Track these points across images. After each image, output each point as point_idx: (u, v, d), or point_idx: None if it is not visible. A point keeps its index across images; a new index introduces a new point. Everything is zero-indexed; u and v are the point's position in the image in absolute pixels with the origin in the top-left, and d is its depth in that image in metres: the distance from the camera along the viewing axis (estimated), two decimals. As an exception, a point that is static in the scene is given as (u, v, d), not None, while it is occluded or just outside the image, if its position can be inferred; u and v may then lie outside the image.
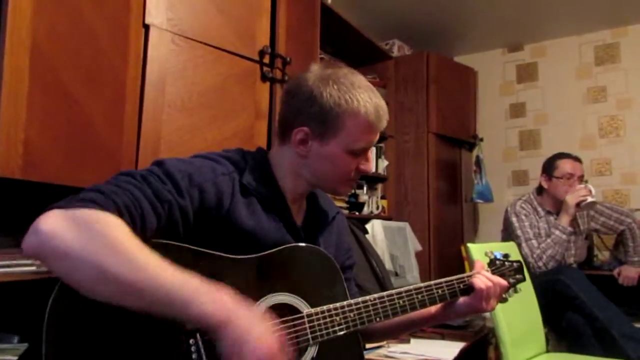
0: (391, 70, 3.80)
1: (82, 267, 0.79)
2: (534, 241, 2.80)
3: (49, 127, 1.36)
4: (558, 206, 2.87)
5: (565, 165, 2.89)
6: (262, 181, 1.12)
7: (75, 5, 1.44)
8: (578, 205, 2.78)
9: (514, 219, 2.90)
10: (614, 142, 3.82)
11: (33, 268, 1.33)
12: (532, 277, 2.41)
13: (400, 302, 1.16)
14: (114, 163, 1.54)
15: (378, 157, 3.59)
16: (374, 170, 3.50)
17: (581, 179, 2.88)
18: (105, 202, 0.85)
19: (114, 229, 0.82)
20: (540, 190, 3.02)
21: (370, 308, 1.11)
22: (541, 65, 4.14)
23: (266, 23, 2.11)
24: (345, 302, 1.08)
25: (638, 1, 3.47)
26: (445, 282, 1.25)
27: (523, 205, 2.94)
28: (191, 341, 0.89)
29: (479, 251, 2.20)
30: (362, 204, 3.36)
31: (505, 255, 1.43)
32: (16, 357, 0.89)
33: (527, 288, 2.31)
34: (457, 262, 3.68)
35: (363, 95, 1.10)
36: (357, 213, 3.27)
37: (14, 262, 1.31)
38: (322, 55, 2.93)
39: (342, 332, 1.06)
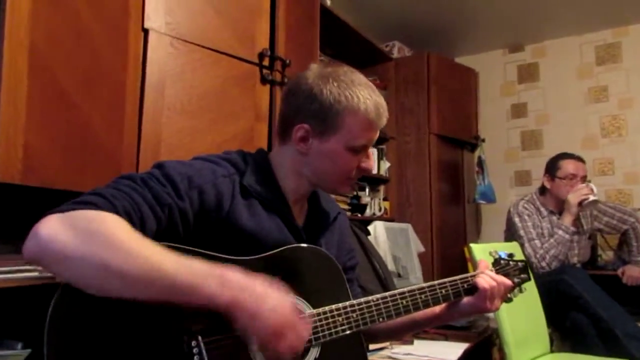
0: (392, 71, 3.80)
1: (84, 267, 0.79)
2: (536, 241, 2.79)
3: (49, 131, 1.36)
4: (561, 206, 2.86)
5: (568, 166, 2.88)
6: (263, 182, 1.12)
7: (73, 9, 1.44)
8: (580, 204, 2.77)
9: (516, 219, 2.89)
10: (616, 142, 3.81)
11: (35, 274, 1.32)
12: (535, 277, 2.39)
13: (404, 302, 1.15)
14: (114, 167, 1.53)
15: (380, 158, 3.59)
16: (375, 171, 3.50)
17: (584, 179, 2.87)
18: (105, 204, 0.86)
19: (112, 226, 0.82)
20: (543, 190, 3.01)
21: (373, 308, 1.11)
22: (542, 66, 4.14)
23: (265, 25, 2.11)
24: (347, 303, 1.08)
25: (639, 1, 3.46)
26: (449, 282, 1.24)
27: (526, 205, 2.94)
28: (193, 343, 0.89)
29: (482, 252, 2.19)
30: (365, 206, 3.35)
31: (510, 255, 1.42)
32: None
33: (530, 288, 2.31)
34: (460, 263, 3.66)
35: (363, 93, 1.10)
36: (359, 215, 3.26)
37: (16, 267, 1.31)
38: (322, 57, 2.93)
39: (344, 333, 1.05)
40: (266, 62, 2.08)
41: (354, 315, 1.07)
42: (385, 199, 3.67)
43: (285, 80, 2.12)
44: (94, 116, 1.49)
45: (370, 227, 2.96)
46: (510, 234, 2.96)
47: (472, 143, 4.07)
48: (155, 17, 1.68)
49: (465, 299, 1.25)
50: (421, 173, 3.66)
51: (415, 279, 3.07)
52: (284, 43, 2.19)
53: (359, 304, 1.09)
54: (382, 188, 3.71)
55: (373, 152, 1.32)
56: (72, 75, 1.43)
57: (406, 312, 1.16)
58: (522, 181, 4.13)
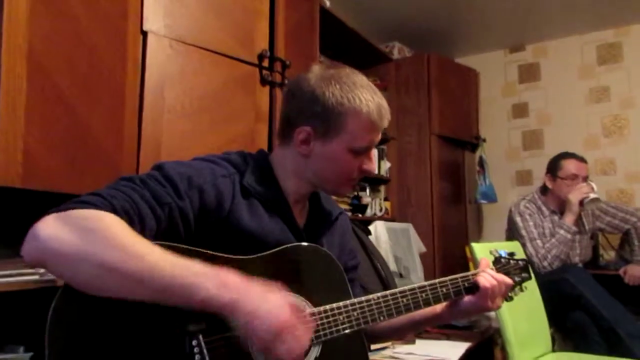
0: (392, 72, 3.80)
1: (81, 266, 0.79)
2: (538, 241, 2.79)
3: (48, 135, 1.36)
4: (562, 206, 2.86)
5: (569, 166, 2.88)
6: (264, 182, 1.12)
7: (71, 12, 1.44)
8: (581, 203, 2.77)
9: (518, 219, 2.89)
10: (617, 142, 3.80)
11: (35, 277, 1.32)
12: (537, 277, 2.39)
13: (404, 300, 1.15)
14: (114, 170, 1.53)
15: (380, 159, 3.59)
16: (376, 171, 3.50)
17: (586, 179, 2.86)
18: (103, 204, 0.86)
19: (110, 225, 0.82)
20: (544, 189, 3.01)
21: (374, 307, 1.11)
22: (543, 66, 4.13)
23: (265, 27, 2.11)
24: (348, 301, 1.08)
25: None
26: (450, 280, 1.24)
27: (527, 205, 2.94)
28: (194, 342, 0.89)
29: (484, 251, 2.19)
30: (365, 206, 3.35)
31: (511, 254, 1.41)
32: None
33: (532, 288, 2.30)
34: (461, 263, 3.67)
35: (365, 95, 1.10)
36: (360, 215, 3.26)
37: (16, 271, 1.31)
38: (322, 59, 2.93)
39: (345, 332, 1.05)
40: (266, 64, 2.08)
41: (355, 313, 1.07)
42: (386, 199, 3.67)
43: (285, 81, 2.12)
44: (94, 119, 1.49)
45: (371, 227, 2.95)
46: (512, 233, 2.96)
47: (473, 143, 4.07)
48: (154, 19, 1.68)
49: (466, 298, 1.25)
50: (422, 173, 3.66)
51: (416, 279, 3.06)
52: (284, 44, 2.19)
53: (359, 303, 1.09)
54: (383, 188, 3.71)
55: (374, 152, 1.32)
56: (71, 78, 1.44)
57: (407, 311, 1.16)
58: (523, 181, 4.12)
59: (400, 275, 2.93)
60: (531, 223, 2.85)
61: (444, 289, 1.22)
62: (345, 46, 3.33)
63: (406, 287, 1.17)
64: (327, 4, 2.88)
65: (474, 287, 1.25)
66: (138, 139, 1.62)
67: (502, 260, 1.38)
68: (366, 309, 1.09)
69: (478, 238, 4.16)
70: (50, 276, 1.32)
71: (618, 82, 3.83)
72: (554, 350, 2.48)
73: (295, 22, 2.30)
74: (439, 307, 1.27)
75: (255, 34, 2.06)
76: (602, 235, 3.40)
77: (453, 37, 4.08)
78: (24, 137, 1.30)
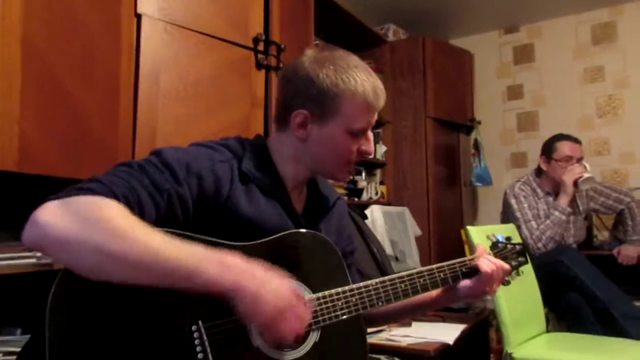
0: (387, 55, 3.79)
1: (84, 252, 0.79)
2: (533, 222, 2.80)
3: (44, 120, 1.36)
4: (557, 187, 2.87)
5: (564, 148, 2.88)
6: (262, 168, 1.12)
7: (66, -4, 1.43)
8: (575, 184, 2.78)
9: (512, 201, 2.90)
10: (612, 122, 3.81)
11: (33, 261, 1.33)
12: (531, 259, 2.41)
13: (403, 285, 1.16)
14: (110, 154, 1.53)
15: (376, 142, 3.59)
16: (372, 155, 3.49)
17: (580, 161, 2.87)
18: (103, 190, 0.86)
19: (110, 211, 0.83)
20: (539, 171, 3.02)
21: (372, 292, 1.11)
22: (538, 46, 4.12)
23: (259, 10, 2.09)
24: (347, 287, 1.08)
25: (634, -21, 3.44)
26: (448, 265, 1.24)
27: (522, 187, 2.95)
28: (194, 328, 0.90)
29: (479, 234, 2.20)
30: (361, 190, 3.36)
31: (508, 238, 1.42)
32: (19, 349, 0.89)
33: (527, 269, 2.32)
34: (457, 246, 3.69)
35: (360, 75, 1.10)
36: (356, 199, 3.27)
37: (14, 255, 1.31)
38: (317, 41, 2.91)
39: (344, 317, 1.06)
40: (261, 47, 2.06)
41: (354, 299, 1.08)
42: (382, 183, 3.67)
43: (281, 65, 2.11)
44: (89, 104, 1.49)
45: (367, 211, 2.96)
46: (507, 215, 2.97)
47: (468, 125, 4.06)
48: (148, 1, 1.66)
49: (463, 282, 1.25)
50: (418, 156, 3.66)
51: (412, 263, 3.08)
52: (279, 28, 2.17)
53: (358, 288, 1.10)
54: (378, 172, 3.72)
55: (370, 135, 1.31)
56: (66, 63, 1.43)
57: (405, 296, 1.16)
58: (518, 163, 4.13)
59: (396, 259, 2.95)
60: (526, 205, 2.87)
61: (442, 275, 1.23)
62: (340, 29, 3.30)
63: (404, 273, 1.18)
64: (322, -14, 2.85)
65: (471, 272, 1.25)
66: (133, 123, 1.62)
67: (500, 245, 1.39)
68: (364, 294, 1.10)
69: (473, 221, 4.18)
70: (47, 259, 1.33)
71: (612, 61, 3.82)
72: (548, 331, 2.51)
73: (290, 5, 2.28)
74: (435, 292, 1.27)
75: (250, 17, 2.04)
76: (596, 216, 3.42)
77: (447, 18, 4.06)
78: (20, 122, 1.29)
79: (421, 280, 1.19)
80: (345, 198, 3.04)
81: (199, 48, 1.82)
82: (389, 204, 3.52)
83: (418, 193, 3.63)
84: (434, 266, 1.23)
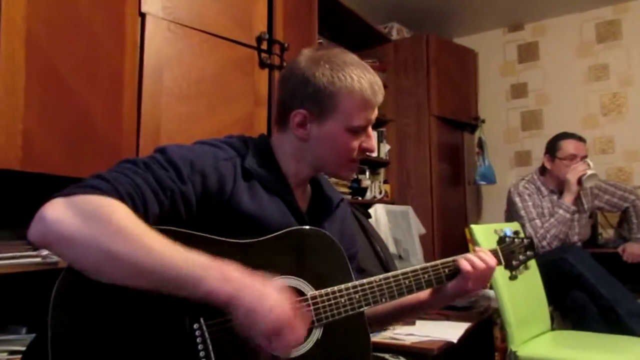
0: (390, 53, 3.78)
1: (88, 251, 0.80)
2: (537, 221, 2.80)
3: (47, 118, 1.36)
4: (561, 186, 2.86)
5: (568, 146, 2.87)
6: (265, 165, 1.12)
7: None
8: (580, 182, 2.77)
9: (517, 199, 2.90)
10: (616, 120, 3.80)
11: (38, 259, 1.34)
12: (536, 257, 2.40)
13: (406, 282, 1.16)
14: (114, 152, 1.54)
15: (380, 141, 3.59)
16: (375, 154, 3.50)
17: (584, 159, 2.86)
18: (108, 188, 0.86)
19: (117, 212, 0.83)
20: (543, 170, 3.01)
21: (376, 289, 1.11)
22: (542, 45, 4.11)
23: (263, 9, 2.09)
24: (350, 284, 1.08)
25: (638, -24, 3.43)
26: (442, 263, 1.23)
27: (526, 185, 2.94)
28: (195, 325, 0.90)
29: (483, 232, 2.20)
30: (365, 189, 3.36)
31: (516, 233, 1.42)
32: (24, 348, 0.89)
33: (531, 267, 2.32)
34: (461, 245, 3.68)
35: (356, 72, 1.10)
36: (360, 198, 3.26)
37: (19, 253, 1.32)
38: (321, 40, 2.91)
39: (347, 314, 1.06)
40: (264, 46, 2.06)
41: (357, 296, 1.08)
42: (385, 182, 3.67)
43: (284, 64, 2.11)
44: (93, 102, 1.49)
45: (371, 210, 2.96)
46: (511, 214, 2.97)
47: (472, 124, 4.05)
48: (152, 0, 1.66)
49: (449, 284, 1.22)
50: (421, 155, 3.66)
51: (416, 261, 3.08)
52: (282, 27, 2.17)
53: (361, 285, 1.09)
54: (382, 171, 3.71)
55: (373, 134, 1.31)
56: (70, 61, 1.43)
57: (409, 292, 1.16)
58: (522, 161, 4.12)
59: (400, 258, 2.95)
60: (530, 203, 2.86)
61: (446, 270, 1.22)
62: (344, 27, 3.30)
63: (407, 269, 1.18)
64: (325, -16, 2.85)
65: (456, 272, 1.22)
66: (137, 121, 1.62)
67: (507, 239, 1.38)
68: (367, 291, 1.10)
69: (477, 219, 4.17)
70: (52, 258, 1.34)
71: (617, 59, 3.81)
72: (552, 329, 2.50)
73: (293, 4, 2.28)
74: (422, 294, 1.25)
75: (254, 16, 2.04)
76: (600, 214, 3.41)
77: (451, 16, 4.05)
78: (23, 120, 1.30)
79: (425, 275, 1.19)
80: (349, 197, 3.05)
81: (202, 47, 1.82)
82: (392, 202, 3.52)
83: (422, 192, 3.62)
84: (438, 262, 1.22)
